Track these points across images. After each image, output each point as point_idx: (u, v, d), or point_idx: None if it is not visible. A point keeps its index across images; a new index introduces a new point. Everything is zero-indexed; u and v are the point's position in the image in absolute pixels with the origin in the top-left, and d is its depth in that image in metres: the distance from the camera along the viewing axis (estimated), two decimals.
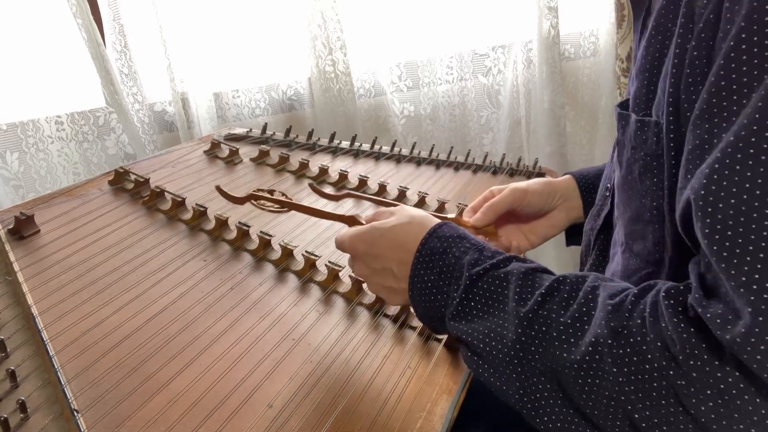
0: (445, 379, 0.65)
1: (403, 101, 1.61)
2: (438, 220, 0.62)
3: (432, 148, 1.22)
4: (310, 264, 0.78)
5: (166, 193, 0.85)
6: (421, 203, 1.01)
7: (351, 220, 0.70)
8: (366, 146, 1.18)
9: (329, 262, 0.77)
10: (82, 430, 0.50)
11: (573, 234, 0.88)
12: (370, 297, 0.76)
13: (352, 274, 0.76)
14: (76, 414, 0.51)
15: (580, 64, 1.70)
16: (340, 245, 0.66)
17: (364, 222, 0.69)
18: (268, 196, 0.79)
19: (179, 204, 0.84)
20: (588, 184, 0.83)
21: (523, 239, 0.82)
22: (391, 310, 0.74)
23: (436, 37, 1.58)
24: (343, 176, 1.03)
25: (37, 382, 0.54)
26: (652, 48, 0.51)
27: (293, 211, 0.92)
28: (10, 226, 0.74)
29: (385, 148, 1.19)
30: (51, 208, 0.80)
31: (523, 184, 0.80)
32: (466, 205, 1.02)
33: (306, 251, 0.79)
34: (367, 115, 1.59)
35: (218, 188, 0.78)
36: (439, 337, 0.71)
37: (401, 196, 1.02)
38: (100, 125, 1.42)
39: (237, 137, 1.11)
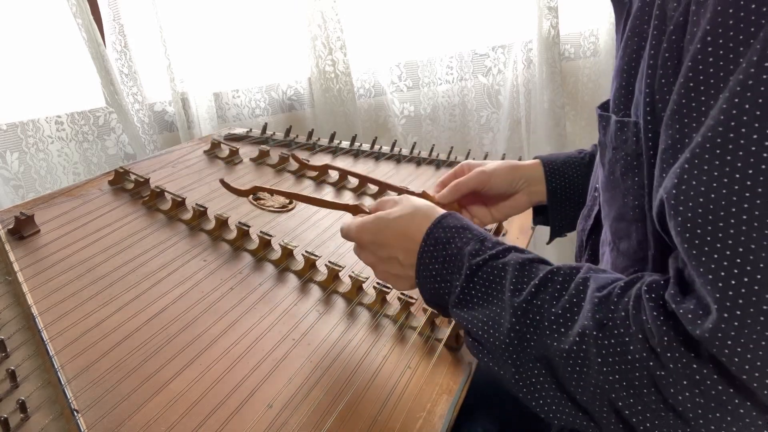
0: (445, 379, 0.65)
1: (403, 101, 1.61)
2: (443, 211, 0.64)
3: (432, 148, 1.22)
4: (310, 264, 0.78)
5: (166, 193, 0.85)
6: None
7: (355, 209, 0.72)
8: (366, 146, 1.18)
9: (329, 262, 0.77)
10: (82, 430, 0.50)
11: (538, 214, 0.92)
12: (370, 297, 0.76)
13: (352, 274, 0.76)
14: (76, 414, 0.51)
15: (580, 64, 1.70)
16: (346, 234, 0.68)
17: (367, 210, 0.70)
18: (272, 188, 0.80)
19: (179, 204, 0.84)
20: (554, 170, 0.86)
21: (487, 215, 0.87)
22: (391, 311, 0.74)
23: (436, 37, 1.58)
24: (343, 176, 1.03)
25: (37, 382, 0.54)
26: (629, 49, 0.52)
27: (293, 211, 0.92)
28: (10, 226, 0.74)
29: (385, 148, 1.19)
30: (51, 208, 0.80)
31: (489, 167, 0.84)
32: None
33: (306, 251, 0.79)
34: (367, 115, 1.59)
35: (222, 181, 0.78)
36: (440, 336, 0.71)
37: None
38: (100, 125, 1.42)
39: (237, 137, 1.11)
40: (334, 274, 0.76)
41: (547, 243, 0.94)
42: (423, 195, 0.85)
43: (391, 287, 0.73)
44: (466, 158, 1.21)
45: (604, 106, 0.59)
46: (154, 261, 0.73)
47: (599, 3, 1.64)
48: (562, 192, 0.85)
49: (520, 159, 1.24)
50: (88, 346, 0.59)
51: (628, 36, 0.52)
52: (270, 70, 1.51)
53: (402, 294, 0.74)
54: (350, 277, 0.76)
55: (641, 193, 0.53)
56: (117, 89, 1.35)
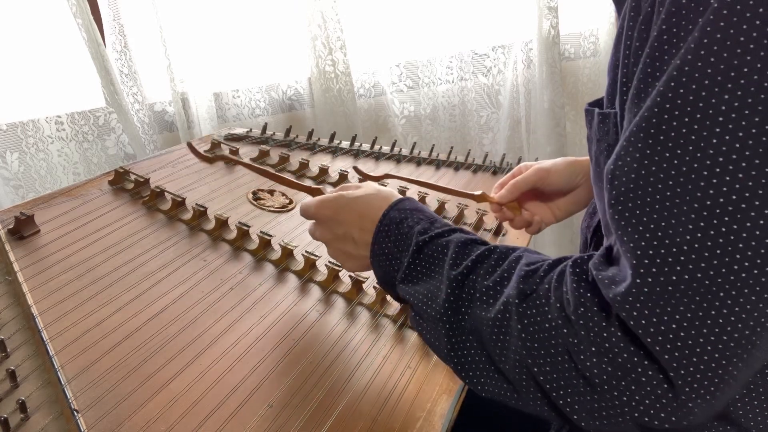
0: (445, 379, 0.65)
1: (403, 101, 1.61)
2: (400, 195, 0.65)
3: (432, 148, 1.22)
4: (310, 264, 0.78)
5: (166, 193, 0.85)
6: (421, 203, 1.01)
7: (316, 192, 0.73)
8: (366, 146, 1.18)
9: (329, 262, 0.77)
10: (82, 430, 0.50)
11: None
12: (370, 297, 0.76)
13: (352, 274, 0.76)
14: (76, 414, 0.51)
15: (580, 64, 1.70)
16: (306, 211, 0.68)
17: (326, 193, 0.71)
18: (237, 159, 0.79)
19: (179, 204, 0.84)
20: None
21: (548, 213, 0.86)
22: (391, 310, 0.74)
23: (436, 37, 1.58)
24: (343, 176, 1.03)
25: (37, 382, 0.54)
26: (621, 45, 0.53)
27: (293, 211, 0.92)
28: (10, 226, 0.74)
29: (385, 148, 1.19)
30: (51, 208, 0.80)
31: (547, 163, 0.84)
32: (466, 206, 1.02)
33: (306, 251, 0.79)
34: (367, 115, 1.59)
35: (189, 144, 0.77)
36: None
37: None
38: (100, 125, 1.42)
39: (237, 137, 1.11)
40: (334, 274, 0.77)
41: None
42: (482, 197, 0.85)
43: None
44: (466, 158, 1.22)
45: (593, 103, 0.60)
46: (154, 261, 0.73)
47: (599, 3, 1.64)
48: None
49: (519, 159, 1.25)
50: (88, 346, 0.59)
51: (619, 32, 0.53)
52: (270, 70, 1.51)
53: None
54: (350, 277, 0.77)
55: None
56: (117, 89, 1.35)
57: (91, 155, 1.42)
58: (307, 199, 0.70)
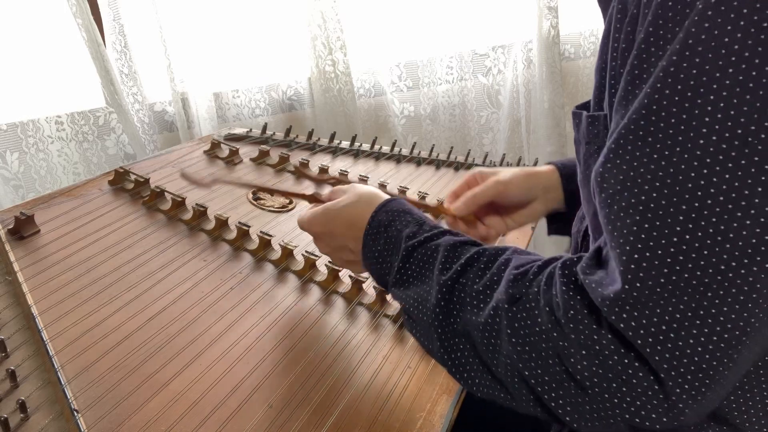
0: (445, 379, 0.65)
1: (403, 101, 1.61)
2: (386, 196, 0.65)
3: (432, 148, 1.22)
4: (310, 264, 0.78)
5: (166, 193, 0.85)
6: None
7: (311, 199, 0.73)
8: (366, 146, 1.18)
9: (329, 262, 0.77)
10: (82, 430, 0.50)
11: (553, 222, 0.91)
12: (370, 297, 0.76)
13: (353, 275, 0.76)
14: (76, 414, 0.51)
15: (580, 64, 1.70)
16: (301, 226, 0.70)
17: (323, 198, 0.72)
18: (233, 182, 0.78)
19: (179, 204, 0.84)
20: (570, 175, 0.84)
21: (501, 225, 0.85)
22: (391, 310, 0.74)
23: (436, 37, 1.58)
24: (343, 176, 1.03)
25: (37, 382, 0.54)
26: (606, 47, 0.53)
27: (293, 211, 0.92)
28: (10, 226, 0.74)
29: (385, 148, 1.19)
30: (51, 208, 0.80)
31: (505, 176, 0.82)
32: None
33: (306, 251, 0.79)
34: (367, 115, 1.59)
35: (183, 173, 0.76)
36: None
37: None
38: (100, 125, 1.42)
39: (237, 137, 1.11)
40: (334, 274, 0.77)
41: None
42: (439, 207, 0.83)
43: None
44: (466, 158, 1.22)
45: (581, 106, 0.60)
46: (154, 261, 0.73)
47: None
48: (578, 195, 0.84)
49: (519, 159, 1.25)
50: (88, 346, 0.59)
51: (605, 35, 0.53)
52: (270, 70, 1.51)
53: None
54: (350, 277, 0.77)
55: None
56: (117, 89, 1.35)
57: (91, 155, 1.42)
58: (303, 212, 0.70)
